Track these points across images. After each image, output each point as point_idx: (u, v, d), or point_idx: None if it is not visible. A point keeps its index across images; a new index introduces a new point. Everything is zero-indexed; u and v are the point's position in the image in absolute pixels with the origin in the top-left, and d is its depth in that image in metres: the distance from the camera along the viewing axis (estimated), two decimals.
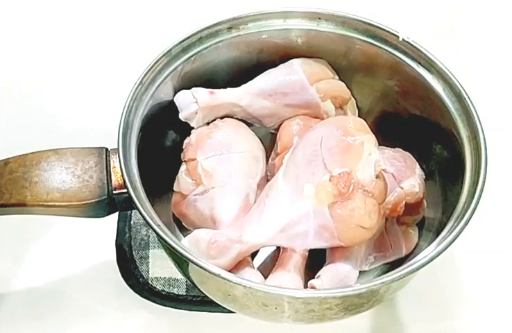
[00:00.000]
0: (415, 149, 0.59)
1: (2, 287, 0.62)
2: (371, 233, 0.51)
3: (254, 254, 0.56)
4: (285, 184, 0.52)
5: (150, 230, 0.63)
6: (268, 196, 0.53)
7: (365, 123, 0.53)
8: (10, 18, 0.80)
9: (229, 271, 0.50)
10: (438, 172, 0.59)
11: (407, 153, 0.59)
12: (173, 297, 0.62)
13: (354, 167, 0.50)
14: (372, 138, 0.52)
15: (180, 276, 0.62)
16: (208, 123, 0.60)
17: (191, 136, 0.59)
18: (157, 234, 0.49)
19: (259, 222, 0.52)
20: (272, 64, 0.61)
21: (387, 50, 0.58)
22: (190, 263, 0.49)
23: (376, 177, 0.51)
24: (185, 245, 0.51)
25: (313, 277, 0.53)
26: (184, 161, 0.58)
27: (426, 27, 0.79)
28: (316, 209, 0.50)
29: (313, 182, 0.50)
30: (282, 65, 0.61)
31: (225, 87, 0.60)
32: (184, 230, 0.59)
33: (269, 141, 0.62)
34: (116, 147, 0.52)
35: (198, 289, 0.55)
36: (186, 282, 0.62)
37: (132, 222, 0.65)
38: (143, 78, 0.55)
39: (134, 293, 0.62)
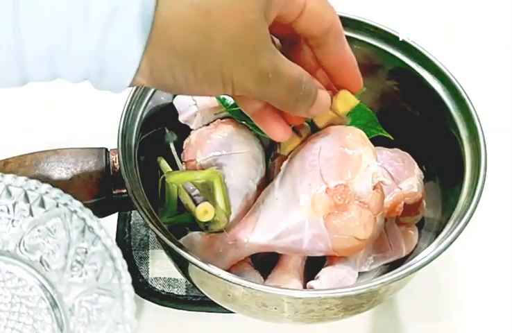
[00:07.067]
0: (414, 149, 0.59)
1: None
2: (366, 244, 0.51)
3: (254, 254, 0.56)
4: (281, 192, 0.52)
5: (150, 230, 0.63)
6: (264, 202, 0.52)
7: (364, 134, 0.52)
8: None
9: (229, 271, 0.50)
10: (438, 172, 0.59)
11: (406, 153, 0.59)
12: (173, 297, 0.62)
13: (351, 179, 0.49)
14: (371, 150, 0.51)
15: (179, 276, 0.62)
16: (208, 124, 0.60)
17: (190, 136, 0.59)
18: (157, 235, 0.49)
19: (254, 228, 0.52)
20: None
21: (387, 51, 0.58)
22: (190, 264, 0.49)
23: (373, 189, 0.50)
24: None
25: (313, 279, 0.53)
26: (184, 161, 0.58)
27: (426, 27, 0.79)
28: (311, 219, 0.50)
29: (309, 192, 0.50)
30: None
31: None
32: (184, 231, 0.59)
33: (269, 141, 0.62)
34: (116, 147, 0.52)
35: (198, 289, 0.55)
36: (186, 282, 0.62)
37: (132, 222, 0.65)
38: None
39: (134, 293, 0.62)
